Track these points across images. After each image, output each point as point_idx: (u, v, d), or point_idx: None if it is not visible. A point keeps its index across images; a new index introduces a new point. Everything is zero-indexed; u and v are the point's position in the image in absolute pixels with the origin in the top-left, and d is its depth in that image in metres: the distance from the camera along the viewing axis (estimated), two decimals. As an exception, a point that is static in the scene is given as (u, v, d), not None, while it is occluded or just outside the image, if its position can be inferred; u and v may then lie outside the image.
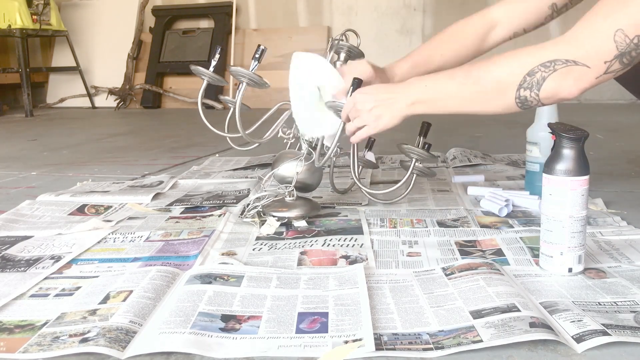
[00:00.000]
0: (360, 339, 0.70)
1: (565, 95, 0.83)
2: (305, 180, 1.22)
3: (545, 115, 1.35)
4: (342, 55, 1.24)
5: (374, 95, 0.99)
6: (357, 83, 1.06)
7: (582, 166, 0.85)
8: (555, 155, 0.86)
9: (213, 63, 1.27)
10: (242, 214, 1.23)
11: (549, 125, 0.90)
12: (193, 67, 1.25)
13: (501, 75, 0.85)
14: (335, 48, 1.25)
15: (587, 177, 0.86)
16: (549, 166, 0.86)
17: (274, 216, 1.16)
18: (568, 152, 0.85)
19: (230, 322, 0.75)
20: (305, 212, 1.19)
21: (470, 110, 0.91)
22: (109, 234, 1.14)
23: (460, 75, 0.90)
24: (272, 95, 3.79)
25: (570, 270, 0.88)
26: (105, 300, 0.83)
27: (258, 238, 1.11)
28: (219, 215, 1.23)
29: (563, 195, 0.85)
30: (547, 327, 0.70)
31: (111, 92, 4.28)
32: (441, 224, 1.16)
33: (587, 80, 0.81)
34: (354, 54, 1.24)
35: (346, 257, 0.99)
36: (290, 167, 1.21)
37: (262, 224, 1.15)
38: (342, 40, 1.24)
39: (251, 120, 1.30)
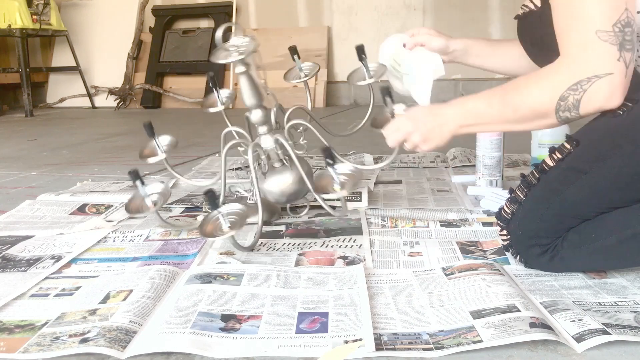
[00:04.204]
0: (360, 339, 0.70)
1: (611, 106, 0.84)
2: (295, 189, 1.21)
3: None
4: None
5: (421, 127, 1.01)
6: (387, 92, 1.08)
7: None
8: None
9: (217, 95, 1.29)
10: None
11: None
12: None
13: (535, 103, 0.87)
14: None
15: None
16: None
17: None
18: None
19: (230, 322, 0.75)
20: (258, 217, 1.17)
21: (518, 130, 0.94)
22: (109, 233, 1.14)
23: (497, 102, 0.93)
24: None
25: None
26: (105, 300, 0.82)
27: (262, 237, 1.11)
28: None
29: (481, 142, 1.38)
30: (547, 327, 0.70)
31: (111, 92, 4.27)
32: (442, 223, 1.16)
33: (619, 85, 0.81)
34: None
35: (344, 257, 0.99)
36: (276, 182, 1.20)
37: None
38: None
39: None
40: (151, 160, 1.24)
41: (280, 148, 1.17)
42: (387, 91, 1.03)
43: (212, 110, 1.32)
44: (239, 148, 1.19)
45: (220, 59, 1.12)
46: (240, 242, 1.09)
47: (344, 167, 0.98)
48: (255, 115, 1.18)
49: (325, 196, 0.98)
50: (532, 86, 0.88)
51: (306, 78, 1.32)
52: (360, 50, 1.23)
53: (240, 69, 1.14)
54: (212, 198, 0.92)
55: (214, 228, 0.94)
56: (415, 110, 1.04)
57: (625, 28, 0.80)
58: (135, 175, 1.04)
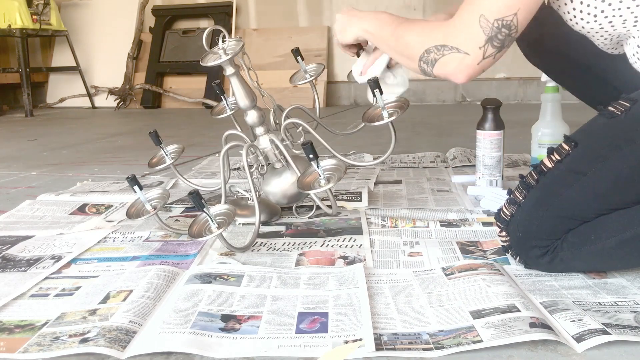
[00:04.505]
0: (360, 339, 0.70)
1: (454, 80, 0.93)
2: (296, 190, 1.20)
3: (549, 113, 1.42)
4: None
5: (347, 15, 1.14)
6: (376, 86, 1.11)
7: (493, 125, 1.35)
8: (481, 119, 1.36)
9: (225, 101, 1.34)
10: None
11: (482, 103, 1.36)
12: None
13: (410, 43, 0.97)
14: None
15: (498, 131, 1.35)
16: (478, 126, 1.36)
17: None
18: (487, 116, 1.35)
19: (230, 322, 0.75)
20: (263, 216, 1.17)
21: (394, 58, 1.04)
22: (109, 234, 1.14)
23: (392, 27, 1.02)
24: (273, 95, 3.79)
25: None
26: (105, 300, 0.83)
27: (259, 236, 1.11)
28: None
29: (481, 142, 1.36)
30: (547, 327, 0.70)
31: (111, 92, 4.28)
32: (442, 223, 1.16)
33: (470, 66, 0.90)
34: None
35: (344, 257, 0.99)
36: (277, 183, 1.19)
37: None
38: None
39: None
40: (159, 167, 1.28)
41: (276, 148, 1.17)
42: (376, 85, 1.04)
43: (220, 117, 1.33)
44: (240, 151, 1.19)
45: (209, 62, 1.12)
46: (241, 242, 1.09)
47: (328, 161, 0.99)
48: (251, 117, 1.18)
49: (312, 192, 0.98)
50: (417, 29, 0.97)
51: (312, 78, 1.32)
52: (297, 53, 1.31)
53: (230, 70, 1.14)
54: (197, 199, 0.92)
55: (202, 229, 0.94)
56: (351, 10, 1.15)
57: (503, 28, 0.86)
58: (133, 181, 1.04)
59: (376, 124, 1.07)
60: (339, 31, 1.16)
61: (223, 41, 1.13)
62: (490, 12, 0.86)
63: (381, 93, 1.04)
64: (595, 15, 0.89)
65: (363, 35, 1.10)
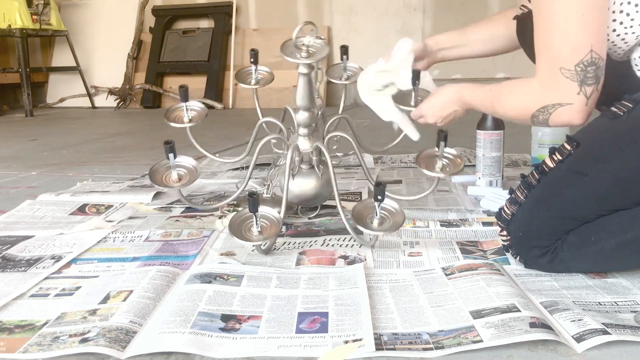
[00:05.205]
0: (360, 339, 0.70)
1: (575, 125, 0.91)
2: (313, 194, 1.20)
3: None
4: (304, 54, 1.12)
5: (439, 115, 1.13)
6: (417, 75, 1.13)
7: (493, 125, 1.36)
8: (481, 119, 1.37)
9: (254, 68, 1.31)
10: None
11: None
12: None
13: (514, 116, 0.97)
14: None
15: (498, 131, 1.37)
16: (478, 126, 1.38)
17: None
18: (487, 116, 1.36)
19: (230, 322, 0.75)
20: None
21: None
22: (109, 234, 1.14)
23: (489, 106, 1.02)
24: (272, 95, 3.79)
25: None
26: (105, 300, 0.83)
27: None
28: (219, 217, 1.23)
29: (481, 141, 1.38)
30: (547, 327, 0.70)
31: (111, 92, 4.27)
32: (442, 223, 1.16)
33: (580, 112, 0.88)
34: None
35: (345, 257, 0.99)
36: (299, 183, 1.19)
37: (220, 218, 1.18)
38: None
39: (250, 122, 1.30)
40: (175, 125, 1.21)
41: (317, 155, 1.17)
42: (444, 137, 1.04)
43: (244, 86, 1.31)
44: (272, 141, 1.19)
45: (287, 55, 1.10)
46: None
47: (389, 203, 0.99)
48: (301, 116, 1.18)
49: (362, 229, 0.97)
50: (512, 101, 0.97)
51: (347, 82, 1.34)
52: (344, 51, 1.33)
53: (303, 69, 1.14)
54: (255, 202, 0.92)
55: (244, 228, 0.95)
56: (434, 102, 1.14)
57: (588, 67, 0.85)
58: (170, 148, 1.01)
59: (427, 173, 1.05)
60: (441, 121, 1.13)
61: (307, 37, 1.11)
62: (567, 62, 0.85)
63: (445, 144, 1.04)
64: (607, 35, 0.89)
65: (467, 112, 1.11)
